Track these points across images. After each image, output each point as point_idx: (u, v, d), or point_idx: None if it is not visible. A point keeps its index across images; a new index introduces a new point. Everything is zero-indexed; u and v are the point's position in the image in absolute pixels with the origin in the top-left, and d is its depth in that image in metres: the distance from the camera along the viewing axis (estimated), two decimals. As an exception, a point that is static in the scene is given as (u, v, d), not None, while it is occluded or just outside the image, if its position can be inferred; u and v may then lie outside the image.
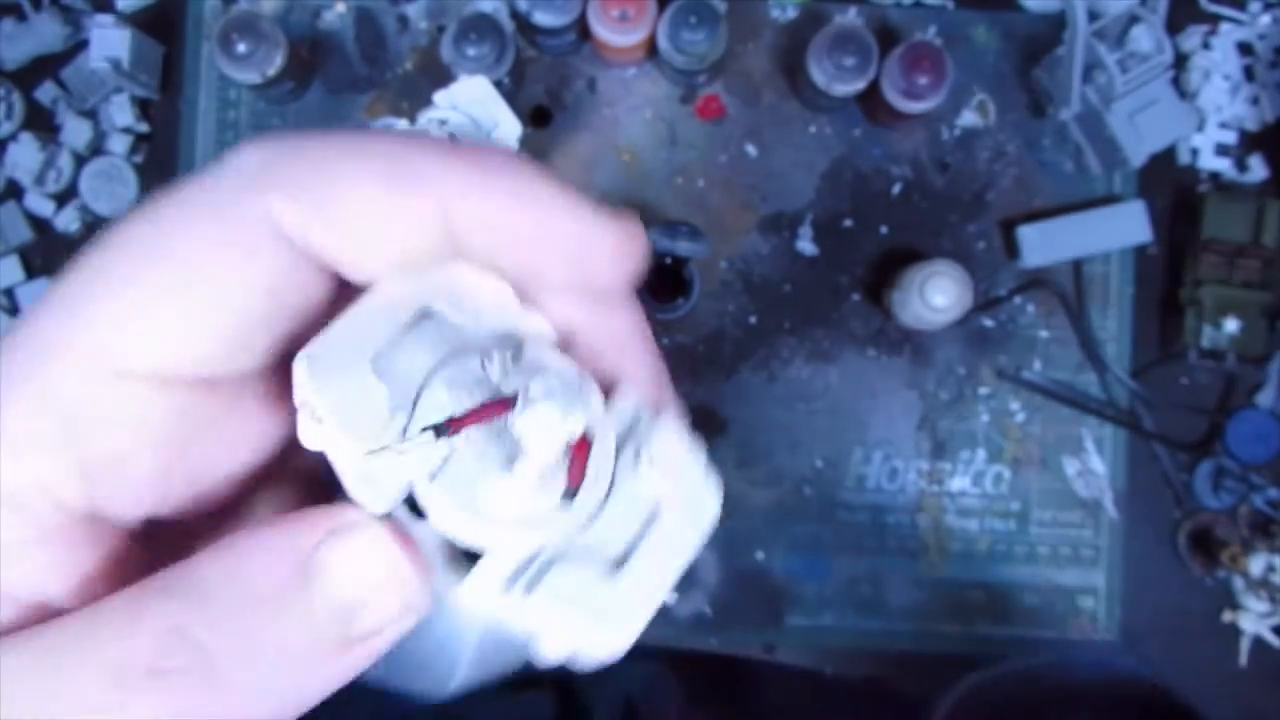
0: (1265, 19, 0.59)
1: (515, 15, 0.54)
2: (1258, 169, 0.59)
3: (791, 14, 0.58)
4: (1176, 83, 0.57)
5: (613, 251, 0.18)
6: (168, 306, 0.15)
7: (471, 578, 0.16)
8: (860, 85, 0.53)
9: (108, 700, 0.14)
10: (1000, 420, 0.58)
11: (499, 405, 0.16)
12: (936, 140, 0.58)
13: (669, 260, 0.52)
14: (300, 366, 0.15)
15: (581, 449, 0.16)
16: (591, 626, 0.15)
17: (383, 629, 0.15)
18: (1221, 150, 0.59)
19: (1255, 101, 0.59)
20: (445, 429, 0.15)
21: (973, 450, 0.58)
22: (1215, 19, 0.59)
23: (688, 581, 0.57)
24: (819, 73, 0.53)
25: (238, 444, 0.18)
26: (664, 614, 0.57)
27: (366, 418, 0.15)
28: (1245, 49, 0.59)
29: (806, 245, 0.58)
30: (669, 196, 0.58)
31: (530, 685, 0.63)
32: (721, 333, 0.58)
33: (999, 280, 0.58)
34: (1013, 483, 0.58)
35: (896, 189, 0.58)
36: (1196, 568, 0.58)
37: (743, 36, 0.58)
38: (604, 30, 0.53)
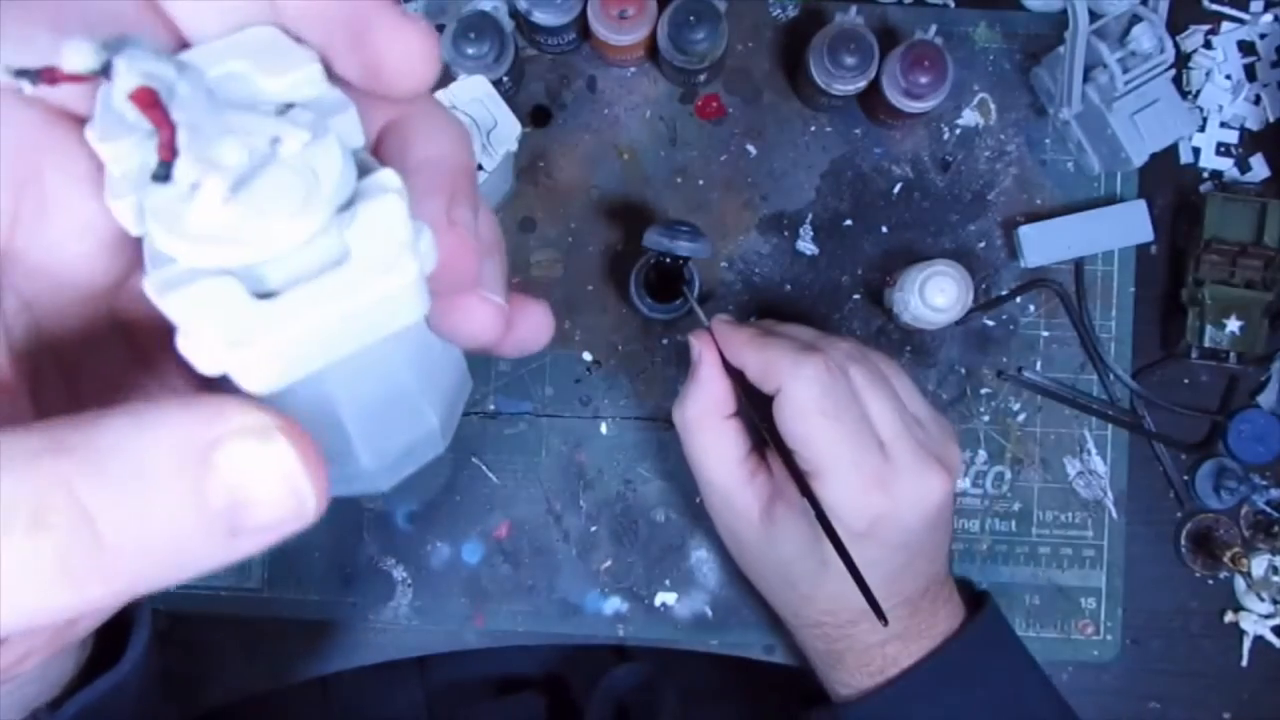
0: (1267, 18, 0.59)
1: (515, 14, 0.54)
2: (1259, 168, 0.59)
3: (791, 14, 0.58)
4: (1178, 82, 0.57)
5: (405, 47, 0.19)
6: None
7: (151, 274, 0.16)
8: (861, 85, 0.53)
9: None
10: (1001, 420, 0.58)
11: (95, 76, 0.17)
12: (937, 140, 0.58)
13: (669, 260, 0.52)
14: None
15: (152, 109, 0.16)
16: (221, 332, 0.16)
17: (273, 527, 0.15)
18: (1223, 150, 0.59)
19: (1257, 101, 0.59)
20: (37, 76, 0.16)
21: (973, 450, 0.58)
22: (1217, 18, 0.59)
23: (688, 582, 0.57)
24: (819, 72, 0.53)
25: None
26: (664, 614, 0.57)
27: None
28: (1247, 48, 0.59)
29: (806, 245, 0.58)
30: (669, 196, 0.58)
31: (522, 687, 0.63)
32: (722, 333, 0.58)
33: (999, 280, 0.58)
34: (1013, 483, 0.58)
35: (897, 189, 0.58)
36: (1198, 568, 0.58)
37: (743, 36, 0.58)
38: (604, 29, 0.53)
